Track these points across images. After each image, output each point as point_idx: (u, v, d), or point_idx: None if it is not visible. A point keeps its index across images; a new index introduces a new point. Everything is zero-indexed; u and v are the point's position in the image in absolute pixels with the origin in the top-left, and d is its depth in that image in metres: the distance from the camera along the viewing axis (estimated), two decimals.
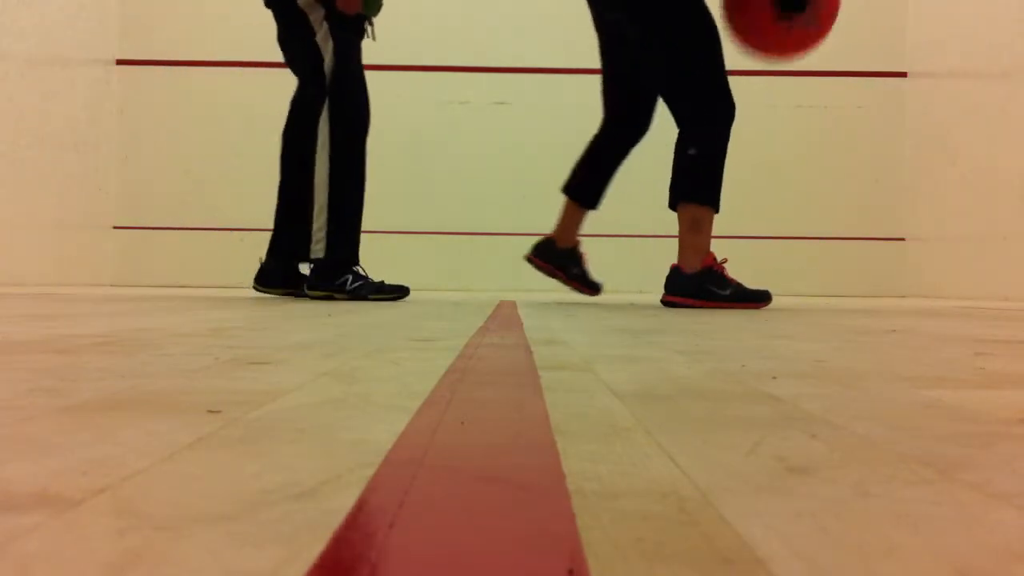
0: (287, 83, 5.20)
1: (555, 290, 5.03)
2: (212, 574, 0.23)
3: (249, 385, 0.61)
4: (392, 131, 5.19)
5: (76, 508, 0.29)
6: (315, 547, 0.25)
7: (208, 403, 0.52)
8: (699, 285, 2.41)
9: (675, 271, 2.47)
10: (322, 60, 2.62)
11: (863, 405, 0.57)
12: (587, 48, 5.05)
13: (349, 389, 0.60)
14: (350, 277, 2.62)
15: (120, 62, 5.14)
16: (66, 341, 0.98)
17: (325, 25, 2.61)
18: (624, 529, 0.28)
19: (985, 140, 4.40)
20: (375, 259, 5.22)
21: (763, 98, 4.97)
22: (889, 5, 5.12)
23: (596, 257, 5.23)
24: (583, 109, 5.23)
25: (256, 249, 5.23)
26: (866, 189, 5.24)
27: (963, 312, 2.50)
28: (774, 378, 0.70)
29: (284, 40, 2.78)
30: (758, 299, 2.45)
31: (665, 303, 2.46)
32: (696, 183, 2.46)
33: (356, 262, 2.70)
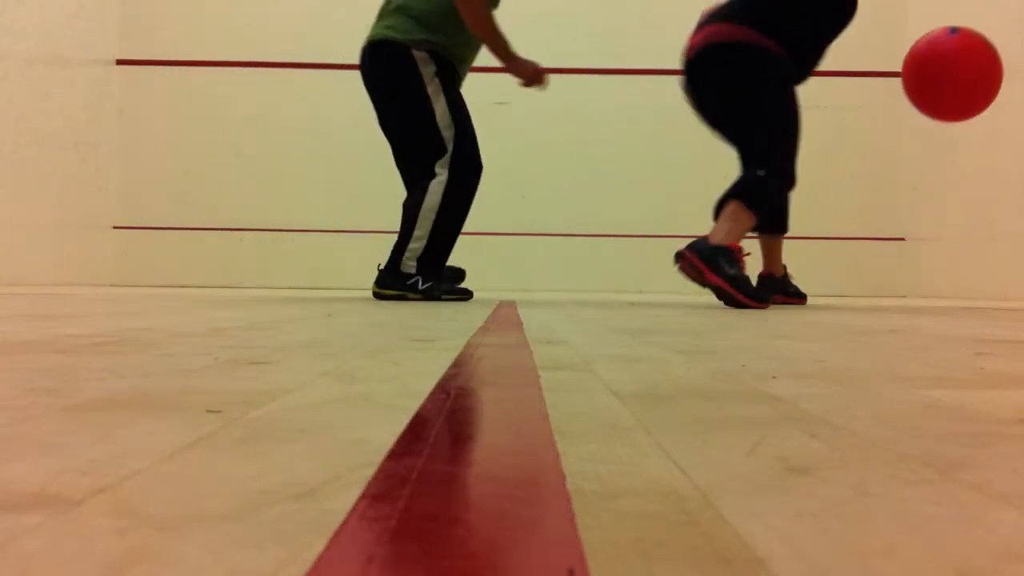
0: (286, 83, 5.21)
1: (555, 290, 5.04)
2: (212, 574, 0.23)
3: (249, 385, 0.61)
4: None
5: (76, 508, 0.29)
6: (315, 547, 0.25)
7: (208, 403, 0.52)
8: (712, 254, 2.47)
9: (701, 240, 2.55)
10: (433, 111, 2.80)
11: (863, 405, 0.57)
12: (587, 48, 5.06)
13: (349, 389, 0.60)
14: (420, 278, 2.80)
15: (120, 62, 5.14)
16: (66, 341, 0.98)
17: (436, 80, 2.80)
18: (624, 529, 0.28)
19: (985, 140, 4.40)
20: (376, 259, 5.23)
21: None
22: (889, 5, 5.13)
23: (597, 257, 5.24)
24: (583, 109, 5.23)
25: (256, 249, 5.24)
26: (866, 189, 5.24)
27: (963, 312, 2.50)
28: (774, 378, 0.70)
29: (384, 88, 2.90)
30: (757, 299, 2.46)
31: (676, 255, 2.55)
32: (752, 189, 2.60)
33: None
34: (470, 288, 2.99)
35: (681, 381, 0.68)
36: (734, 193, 2.60)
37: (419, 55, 2.77)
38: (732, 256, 2.48)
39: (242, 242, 5.20)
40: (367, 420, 0.48)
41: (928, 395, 0.62)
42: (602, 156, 5.16)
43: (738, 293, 2.43)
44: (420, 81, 2.78)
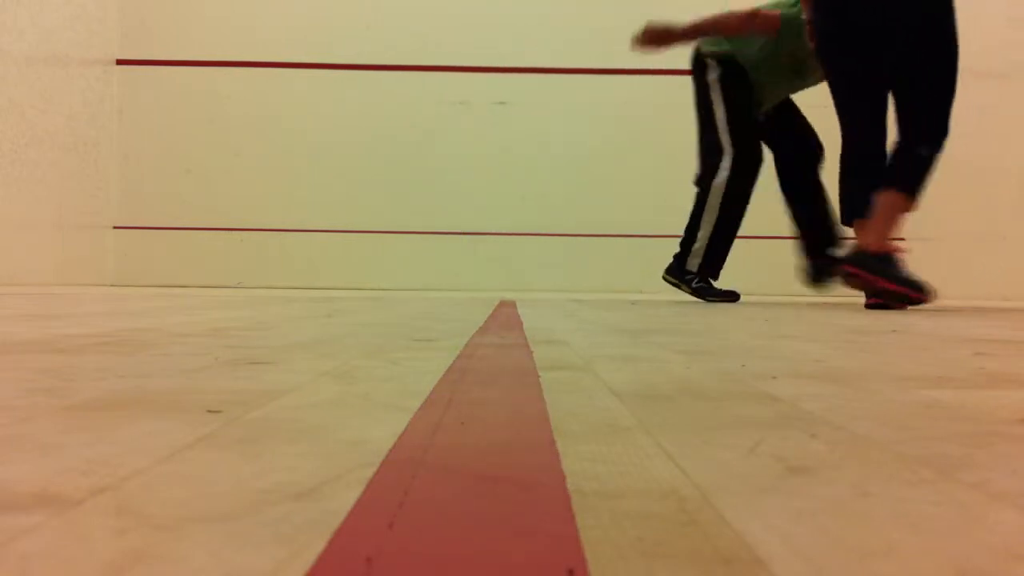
0: (287, 83, 5.20)
1: (555, 290, 5.04)
2: (212, 574, 0.23)
3: (249, 385, 0.61)
4: (392, 131, 5.19)
5: (76, 508, 0.29)
6: (315, 547, 0.25)
7: (208, 403, 0.52)
8: (880, 264, 2.49)
9: (858, 247, 2.56)
10: (713, 112, 3.07)
11: (863, 405, 0.57)
12: (587, 48, 5.06)
13: (349, 389, 0.60)
14: (696, 277, 3.12)
15: (120, 62, 5.14)
16: (66, 341, 0.98)
17: (718, 86, 3.06)
18: (624, 529, 0.28)
19: (985, 140, 4.40)
20: (376, 259, 5.23)
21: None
22: None
23: (596, 257, 5.24)
24: (583, 109, 5.23)
25: (256, 249, 5.24)
26: None
27: (963, 312, 2.50)
28: (774, 378, 0.70)
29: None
30: (919, 290, 2.50)
31: (843, 273, 2.58)
32: (911, 174, 2.56)
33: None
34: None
35: (681, 381, 0.68)
36: (891, 180, 2.55)
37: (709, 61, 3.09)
38: (892, 258, 2.51)
39: (242, 242, 5.20)
40: (367, 420, 0.48)
41: (928, 395, 0.62)
42: (601, 156, 5.16)
43: (903, 290, 2.47)
44: (705, 81, 3.09)
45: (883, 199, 2.53)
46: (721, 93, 3.05)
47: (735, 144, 3.03)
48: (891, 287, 2.46)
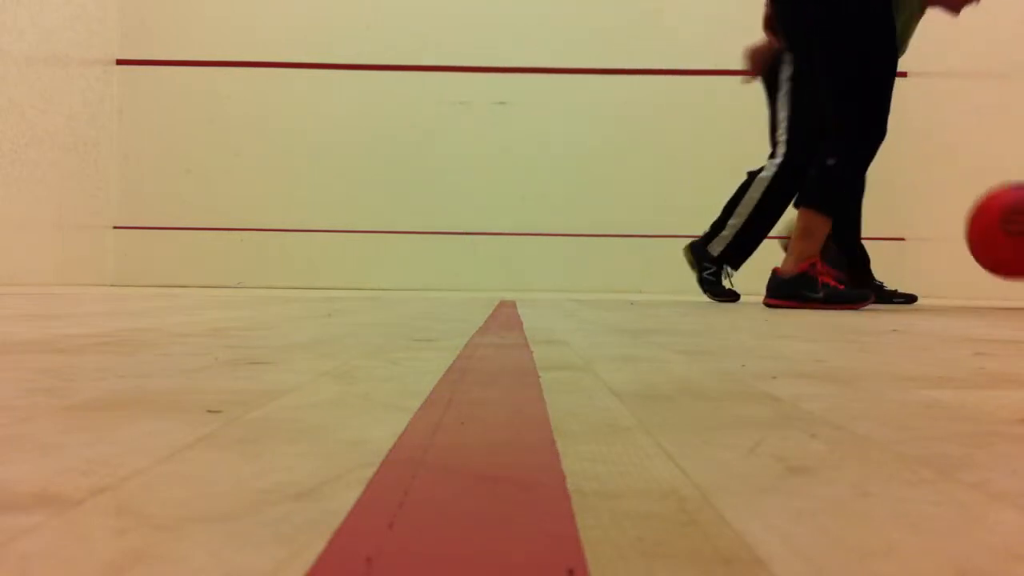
0: (287, 83, 5.20)
1: (555, 290, 5.04)
2: (212, 574, 0.23)
3: (249, 385, 0.61)
4: (393, 131, 5.19)
5: (76, 508, 0.29)
6: (315, 547, 0.25)
7: (208, 403, 0.52)
8: (793, 288, 2.49)
9: (773, 274, 2.56)
10: (777, 111, 3.05)
11: (863, 405, 0.57)
12: (587, 48, 5.06)
13: (348, 389, 0.60)
14: (712, 268, 3.07)
15: (120, 62, 5.15)
16: (66, 341, 0.98)
17: (789, 86, 3.02)
18: (624, 529, 0.28)
19: (985, 140, 4.40)
20: (376, 259, 5.23)
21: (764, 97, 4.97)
22: None
23: (596, 257, 5.24)
24: (583, 109, 5.23)
25: (256, 249, 5.25)
26: (866, 189, 5.24)
27: (963, 312, 2.50)
28: (774, 378, 0.70)
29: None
30: (853, 300, 2.49)
31: (766, 305, 2.56)
32: (817, 189, 2.53)
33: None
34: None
35: (681, 381, 0.68)
36: (805, 198, 2.50)
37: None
38: (809, 278, 2.47)
39: (242, 242, 5.20)
40: (367, 420, 0.48)
41: (928, 395, 0.62)
42: (601, 156, 5.16)
43: (838, 306, 2.45)
44: (776, 84, 3.07)
45: (798, 217, 2.53)
46: (790, 94, 3.01)
47: (790, 143, 2.99)
48: (814, 307, 2.47)
